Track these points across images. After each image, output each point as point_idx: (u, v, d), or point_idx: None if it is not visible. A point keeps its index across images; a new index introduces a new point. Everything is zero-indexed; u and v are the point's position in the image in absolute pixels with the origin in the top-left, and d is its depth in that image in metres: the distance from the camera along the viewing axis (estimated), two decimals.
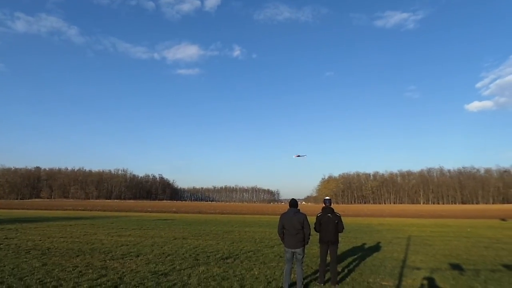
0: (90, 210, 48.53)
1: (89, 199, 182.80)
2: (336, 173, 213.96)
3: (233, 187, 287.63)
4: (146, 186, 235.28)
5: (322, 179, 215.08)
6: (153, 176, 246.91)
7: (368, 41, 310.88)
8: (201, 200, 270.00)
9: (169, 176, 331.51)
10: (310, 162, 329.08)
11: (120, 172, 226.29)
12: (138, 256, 10.24)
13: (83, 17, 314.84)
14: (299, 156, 39.77)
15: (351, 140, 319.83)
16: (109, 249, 11.46)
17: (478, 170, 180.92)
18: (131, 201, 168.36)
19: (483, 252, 12.03)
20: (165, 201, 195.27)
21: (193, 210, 55.74)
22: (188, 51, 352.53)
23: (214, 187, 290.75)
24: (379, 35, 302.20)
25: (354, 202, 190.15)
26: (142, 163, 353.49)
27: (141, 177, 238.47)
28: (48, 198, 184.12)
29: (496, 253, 11.91)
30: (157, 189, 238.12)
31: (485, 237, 17.32)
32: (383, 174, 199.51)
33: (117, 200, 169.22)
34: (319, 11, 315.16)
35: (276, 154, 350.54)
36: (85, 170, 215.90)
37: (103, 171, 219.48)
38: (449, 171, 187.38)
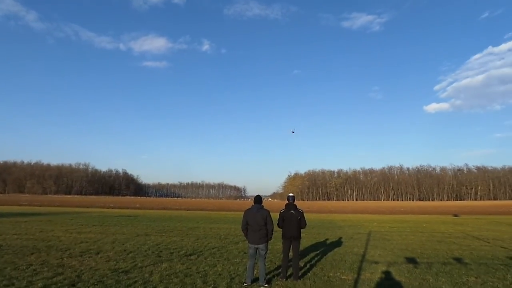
0: (48, 206, 46.29)
1: (46, 194, 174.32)
2: (302, 170, 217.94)
3: (199, 183, 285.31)
4: (109, 181, 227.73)
5: (289, 176, 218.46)
6: (117, 171, 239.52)
7: (336, 41, 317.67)
8: (167, 196, 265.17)
9: (133, 171, 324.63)
10: (276, 159, 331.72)
11: (81, 166, 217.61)
12: (98, 253, 9.92)
13: (43, 1, 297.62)
14: (293, 132, 40.47)
15: (317, 138, 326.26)
16: (67, 247, 11.01)
17: (434, 169, 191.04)
18: (93, 196, 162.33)
19: (436, 246, 12.71)
20: (128, 197, 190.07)
21: (158, 206, 54.70)
22: (156, 43, 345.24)
23: (180, 183, 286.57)
24: (346, 36, 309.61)
25: (319, 199, 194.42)
26: (105, 157, 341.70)
27: (103, 171, 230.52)
28: (1, 193, 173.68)
29: (448, 247, 12.63)
30: (121, 185, 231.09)
31: (438, 232, 18.31)
32: (347, 172, 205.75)
33: (78, 196, 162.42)
34: (288, 9, 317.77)
35: (243, 150, 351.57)
36: (43, 163, 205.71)
37: (62, 165, 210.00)
38: (408, 169, 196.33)
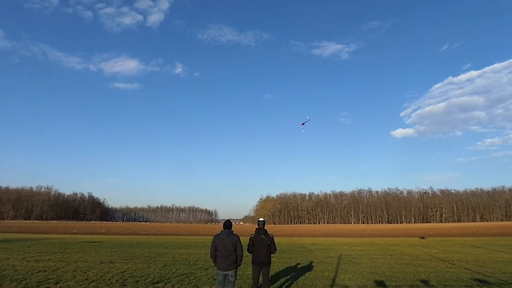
0: (4, 232, 43.38)
1: (4, 219, 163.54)
2: (274, 193, 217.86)
3: (169, 207, 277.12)
4: (73, 205, 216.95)
5: (260, 199, 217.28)
6: (82, 194, 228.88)
7: (307, 67, 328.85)
8: (135, 220, 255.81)
9: (100, 194, 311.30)
10: (248, 182, 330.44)
11: (43, 189, 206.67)
12: (57, 283, 9.33)
13: (9, 20, 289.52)
14: (303, 124, 40.34)
15: (288, 161, 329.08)
16: (23, 276, 10.29)
17: (401, 192, 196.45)
18: (54, 221, 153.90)
19: (404, 269, 12.91)
20: (94, 221, 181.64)
21: (125, 232, 52.57)
22: (128, 65, 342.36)
23: (149, 207, 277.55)
24: (316, 63, 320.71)
25: (291, 222, 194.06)
26: (70, 180, 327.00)
27: (67, 195, 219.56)
28: None
29: (415, 269, 12.85)
30: (86, 209, 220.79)
31: (406, 254, 18.65)
32: (318, 195, 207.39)
33: (38, 221, 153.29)
34: (261, 35, 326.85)
35: (215, 173, 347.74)
36: (0, 186, 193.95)
37: (22, 188, 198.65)
38: (377, 192, 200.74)
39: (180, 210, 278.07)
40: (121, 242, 27.63)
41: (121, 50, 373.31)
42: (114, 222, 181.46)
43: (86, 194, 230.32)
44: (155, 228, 73.12)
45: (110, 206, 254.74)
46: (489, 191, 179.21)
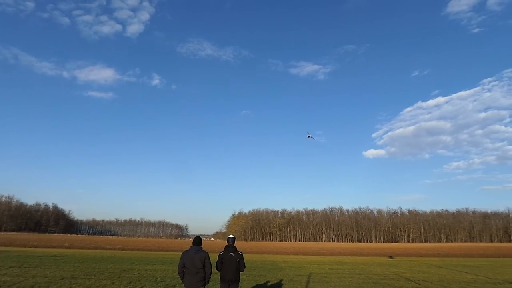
0: None
1: None
2: (246, 209, 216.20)
3: (138, 221, 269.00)
4: (36, 216, 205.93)
5: (233, 215, 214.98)
6: (46, 205, 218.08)
7: (284, 85, 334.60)
8: (101, 234, 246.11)
9: (65, 206, 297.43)
10: (221, 197, 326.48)
11: (3, 199, 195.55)
12: None
13: None
14: (310, 136, 40.30)
15: (262, 177, 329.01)
16: None
17: (372, 211, 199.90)
18: (14, 233, 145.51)
19: None
20: (57, 234, 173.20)
21: (90, 245, 50.44)
22: (103, 73, 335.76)
23: (117, 220, 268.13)
24: (293, 82, 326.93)
25: (262, 239, 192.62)
26: (34, 190, 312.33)
27: (30, 205, 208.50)
28: None
29: None
30: (49, 220, 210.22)
31: (374, 273, 18.87)
32: (290, 212, 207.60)
33: None
34: (240, 52, 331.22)
35: (186, 187, 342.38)
36: None
37: None
38: (347, 211, 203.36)
39: (150, 224, 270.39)
40: (85, 256, 26.45)
41: (97, 59, 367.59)
42: (78, 235, 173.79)
43: (50, 205, 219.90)
44: (122, 243, 70.62)
45: (75, 218, 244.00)
46: (454, 213, 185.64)
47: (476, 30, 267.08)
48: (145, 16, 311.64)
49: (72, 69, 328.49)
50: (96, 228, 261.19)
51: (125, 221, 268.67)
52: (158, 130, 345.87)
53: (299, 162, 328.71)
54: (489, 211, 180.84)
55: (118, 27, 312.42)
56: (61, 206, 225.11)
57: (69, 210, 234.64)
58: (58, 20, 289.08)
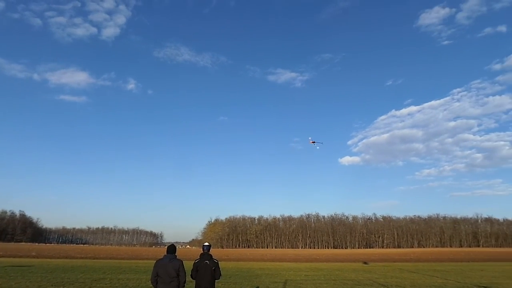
0: None
1: None
2: (223, 216, 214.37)
3: (111, 228, 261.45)
4: (1, 225, 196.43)
5: (209, 222, 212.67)
6: (12, 212, 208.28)
7: (262, 92, 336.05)
8: (72, 242, 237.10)
9: (34, 213, 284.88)
10: (197, 204, 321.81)
11: None
12: None
13: None
14: (314, 142, 39.71)
15: (239, 184, 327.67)
16: None
17: (347, 217, 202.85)
18: None
19: None
20: (24, 243, 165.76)
21: (59, 255, 48.53)
22: (76, 77, 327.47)
23: (89, 228, 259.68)
24: (271, 89, 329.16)
25: (239, 246, 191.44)
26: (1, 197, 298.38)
27: None
28: None
29: None
30: (15, 229, 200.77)
31: (349, 279, 19.08)
32: (267, 219, 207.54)
33: None
34: (218, 58, 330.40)
35: (162, 194, 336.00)
36: None
37: None
38: (323, 217, 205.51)
39: (123, 232, 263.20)
40: (54, 266, 25.40)
41: (71, 62, 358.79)
42: (47, 244, 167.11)
43: (17, 212, 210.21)
44: (94, 251, 68.40)
45: (44, 227, 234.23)
46: (425, 219, 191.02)
47: (446, 42, 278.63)
48: (121, 19, 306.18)
49: (44, 71, 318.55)
50: (66, 236, 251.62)
51: (97, 229, 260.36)
52: (133, 136, 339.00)
53: (276, 169, 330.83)
54: (458, 216, 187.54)
55: (93, 30, 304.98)
56: (29, 213, 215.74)
57: (38, 218, 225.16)
58: (30, 21, 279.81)
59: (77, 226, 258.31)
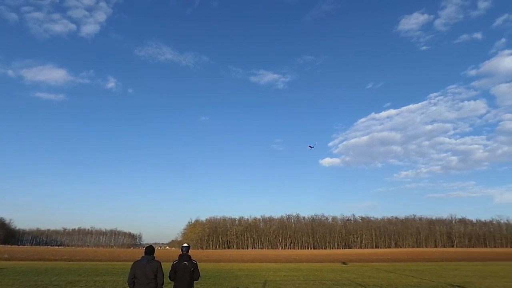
0: None
1: None
2: (203, 217, 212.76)
3: (88, 230, 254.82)
4: None
5: (189, 222, 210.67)
6: None
7: (244, 93, 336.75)
8: (46, 244, 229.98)
9: (7, 214, 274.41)
10: (177, 205, 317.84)
11: None
12: None
13: None
14: (311, 146, 40.33)
15: (220, 184, 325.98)
16: None
17: (327, 218, 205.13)
18: None
19: None
20: None
21: (33, 257, 47.00)
22: (54, 74, 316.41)
23: (65, 229, 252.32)
24: (253, 90, 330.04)
25: (219, 247, 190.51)
26: None
27: None
28: None
29: None
30: None
31: (328, 279, 19.31)
32: (247, 219, 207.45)
33: None
34: (200, 58, 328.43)
35: (140, 194, 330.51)
36: None
37: None
38: (304, 218, 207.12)
39: (100, 233, 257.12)
40: (27, 268, 24.59)
41: (48, 58, 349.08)
42: (20, 246, 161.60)
43: None
44: (70, 253, 66.63)
45: (17, 228, 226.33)
46: (402, 219, 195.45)
47: (424, 48, 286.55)
48: (101, 16, 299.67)
49: (19, 68, 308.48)
50: (41, 238, 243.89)
51: (74, 230, 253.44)
52: (112, 135, 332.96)
53: (257, 170, 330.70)
54: (434, 217, 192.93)
55: (72, 26, 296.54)
56: (1, 214, 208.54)
57: (10, 219, 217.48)
58: (5, 16, 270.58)
59: (52, 228, 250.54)
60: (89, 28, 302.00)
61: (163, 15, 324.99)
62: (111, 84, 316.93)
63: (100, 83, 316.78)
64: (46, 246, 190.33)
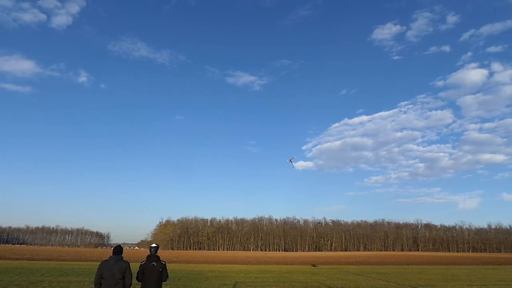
0: None
1: None
2: (175, 217, 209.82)
3: (52, 228, 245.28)
4: None
5: (160, 222, 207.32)
6: None
7: (220, 94, 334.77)
8: (7, 242, 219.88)
9: None
10: (147, 204, 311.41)
11: None
12: None
13: None
14: (291, 160, 40.28)
15: (192, 185, 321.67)
16: None
17: (298, 221, 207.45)
18: None
19: None
20: None
21: None
22: (21, 65, 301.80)
23: (28, 227, 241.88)
24: (229, 90, 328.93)
25: (190, 248, 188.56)
26: None
27: None
28: None
29: None
30: None
31: (297, 281, 19.52)
32: (219, 221, 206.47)
33: None
34: (176, 56, 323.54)
35: (109, 192, 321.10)
36: None
37: None
38: (276, 220, 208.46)
39: (66, 232, 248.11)
40: None
41: (15, 48, 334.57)
42: None
43: None
44: (32, 252, 63.96)
45: None
46: (371, 223, 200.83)
47: (396, 57, 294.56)
48: (74, 8, 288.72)
49: None
50: (1, 236, 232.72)
51: (37, 228, 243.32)
52: (81, 130, 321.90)
53: (231, 171, 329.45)
54: (401, 222, 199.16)
55: (42, 16, 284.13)
56: None
57: None
58: None
59: (14, 225, 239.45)
60: (61, 20, 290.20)
61: (139, 10, 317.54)
62: (83, 78, 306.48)
63: (71, 76, 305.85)
64: (7, 245, 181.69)
